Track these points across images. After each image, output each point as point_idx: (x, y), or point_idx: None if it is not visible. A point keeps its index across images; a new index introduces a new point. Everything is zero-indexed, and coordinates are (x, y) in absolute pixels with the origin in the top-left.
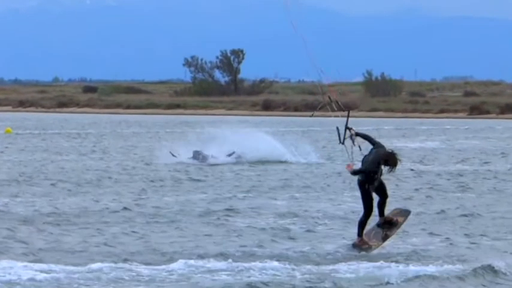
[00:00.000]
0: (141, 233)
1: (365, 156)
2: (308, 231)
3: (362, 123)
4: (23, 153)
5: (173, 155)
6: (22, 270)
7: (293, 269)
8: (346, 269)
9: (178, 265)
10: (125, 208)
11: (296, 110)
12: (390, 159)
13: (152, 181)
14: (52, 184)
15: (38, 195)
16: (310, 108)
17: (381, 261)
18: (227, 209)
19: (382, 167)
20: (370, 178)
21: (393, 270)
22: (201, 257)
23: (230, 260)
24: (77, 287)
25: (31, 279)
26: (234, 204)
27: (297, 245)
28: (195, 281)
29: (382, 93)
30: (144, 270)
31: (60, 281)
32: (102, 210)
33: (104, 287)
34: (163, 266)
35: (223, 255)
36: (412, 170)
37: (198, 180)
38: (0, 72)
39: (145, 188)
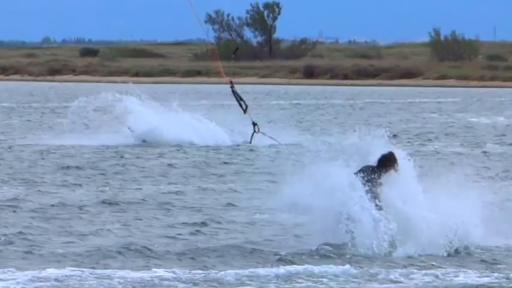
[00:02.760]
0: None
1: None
2: None
3: (429, 93)
4: None
5: (131, 130)
6: None
7: None
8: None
9: None
10: None
11: (346, 77)
12: None
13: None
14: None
15: None
16: (363, 75)
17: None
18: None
19: None
20: None
21: None
22: None
23: None
24: None
25: None
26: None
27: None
28: None
29: (453, 57)
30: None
31: None
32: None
33: None
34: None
35: None
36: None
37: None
38: None
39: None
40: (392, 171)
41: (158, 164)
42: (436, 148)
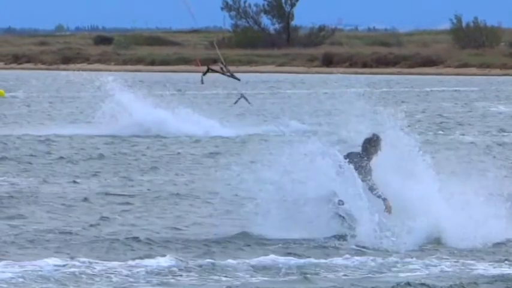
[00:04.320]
0: None
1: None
2: None
3: (449, 81)
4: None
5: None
6: None
7: None
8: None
9: None
10: None
11: (365, 65)
12: None
13: None
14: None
15: None
16: (382, 63)
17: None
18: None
19: None
20: None
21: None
22: None
23: None
24: None
25: None
26: None
27: None
28: None
29: (474, 44)
30: None
31: None
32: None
33: None
34: None
35: None
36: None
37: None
38: None
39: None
40: (379, 153)
41: (165, 155)
42: (451, 138)
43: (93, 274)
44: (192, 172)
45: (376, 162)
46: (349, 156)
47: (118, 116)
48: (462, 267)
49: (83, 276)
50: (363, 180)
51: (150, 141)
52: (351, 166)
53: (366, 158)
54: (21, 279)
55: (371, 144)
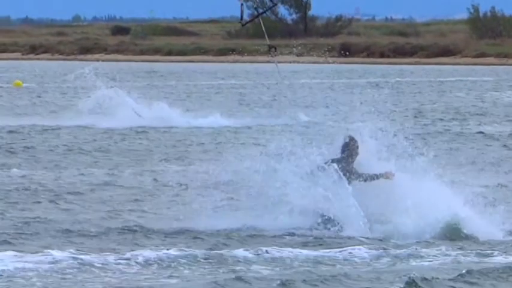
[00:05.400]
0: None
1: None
2: None
3: (466, 71)
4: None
5: (138, 115)
6: None
7: None
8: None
9: None
10: None
11: (382, 55)
12: None
13: None
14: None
15: None
16: (400, 53)
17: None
18: None
19: None
20: None
21: None
22: None
23: None
24: None
25: None
26: None
27: None
28: None
29: (491, 34)
30: None
31: None
32: None
33: None
34: None
35: None
36: None
37: None
38: (7, 10)
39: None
40: (359, 152)
41: (170, 146)
42: (460, 129)
43: (102, 265)
44: (200, 162)
45: (360, 160)
46: (333, 163)
47: (118, 108)
48: (476, 258)
49: (91, 268)
50: (351, 181)
51: (158, 132)
52: (335, 166)
53: (349, 161)
54: (32, 272)
55: (349, 148)
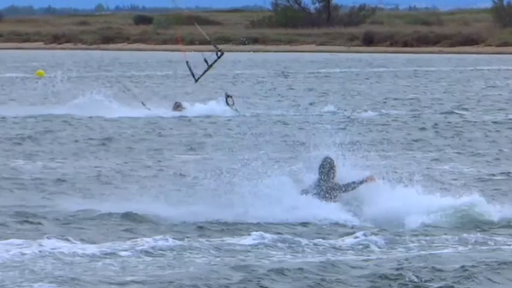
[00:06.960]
0: None
1: None
2: None
3: (489, 60)
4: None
5: (147, 108)
6: None
7: None
8: None
9: None
10: None
11: (406, 44)
12: None
13: None
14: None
15: None
16: (423, 42)
17: None
18: None
19: None
20: None
21: None
22: None
23: None
24: None
25: None
26: None
27: None
28: None
29: None
30: None
31: None
32: None
33: None
34: None
35: None
36: None
37: None
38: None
39: None
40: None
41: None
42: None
43: (100, 254)
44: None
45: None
46: (311, 186)
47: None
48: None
49: (87, 257)
50: (337, 196)
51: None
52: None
53: (328, 178)
54: (32, 260)
55: (326, 168)
